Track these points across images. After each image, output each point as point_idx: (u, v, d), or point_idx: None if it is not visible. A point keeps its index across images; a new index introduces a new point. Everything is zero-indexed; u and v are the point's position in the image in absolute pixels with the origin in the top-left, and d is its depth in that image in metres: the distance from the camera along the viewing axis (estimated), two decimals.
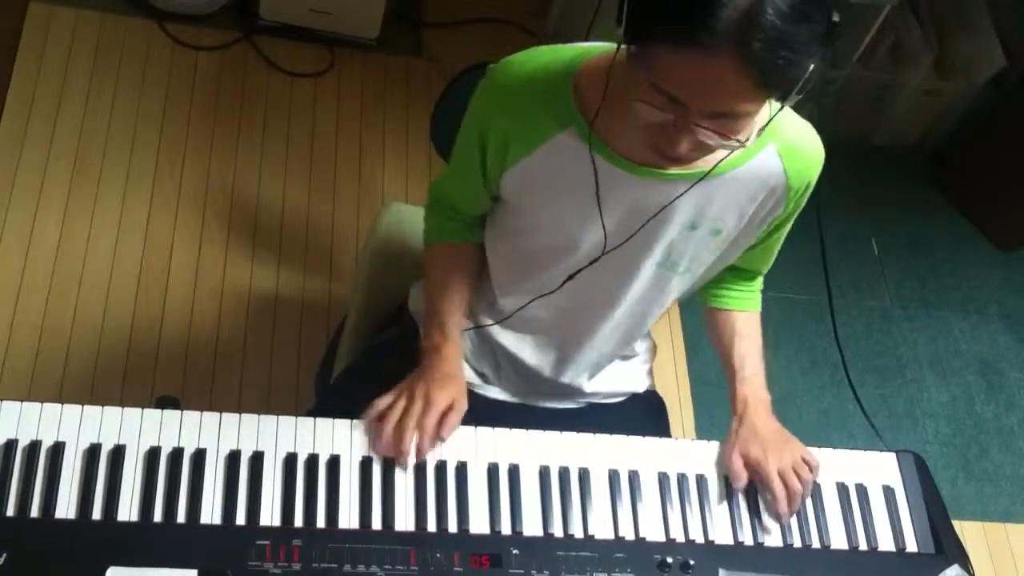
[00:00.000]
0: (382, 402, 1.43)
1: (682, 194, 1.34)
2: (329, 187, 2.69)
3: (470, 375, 1.64)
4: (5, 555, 1.20)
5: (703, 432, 2.54)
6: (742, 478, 1.46)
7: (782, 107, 1.18)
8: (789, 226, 1.52)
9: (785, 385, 2.72)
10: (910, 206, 3.18)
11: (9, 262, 2.38)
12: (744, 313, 1.62)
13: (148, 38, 2.80)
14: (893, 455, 1.55)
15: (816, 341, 2.80)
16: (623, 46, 1.17)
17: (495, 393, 1.65)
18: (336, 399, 1.67)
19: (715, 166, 1.30)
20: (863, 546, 1.46)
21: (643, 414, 1.70)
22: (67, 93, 2.65)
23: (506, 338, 1.61)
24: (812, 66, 1.11)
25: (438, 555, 1.31)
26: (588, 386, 1.65)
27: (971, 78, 3.06)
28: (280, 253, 2.56)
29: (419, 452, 1.40)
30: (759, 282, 1.64)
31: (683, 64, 1.10)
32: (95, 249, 2.45)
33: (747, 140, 1.19)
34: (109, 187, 2.54)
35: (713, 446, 1.52)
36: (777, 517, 1.45)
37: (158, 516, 1.29)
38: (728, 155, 1.27)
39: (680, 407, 2.58)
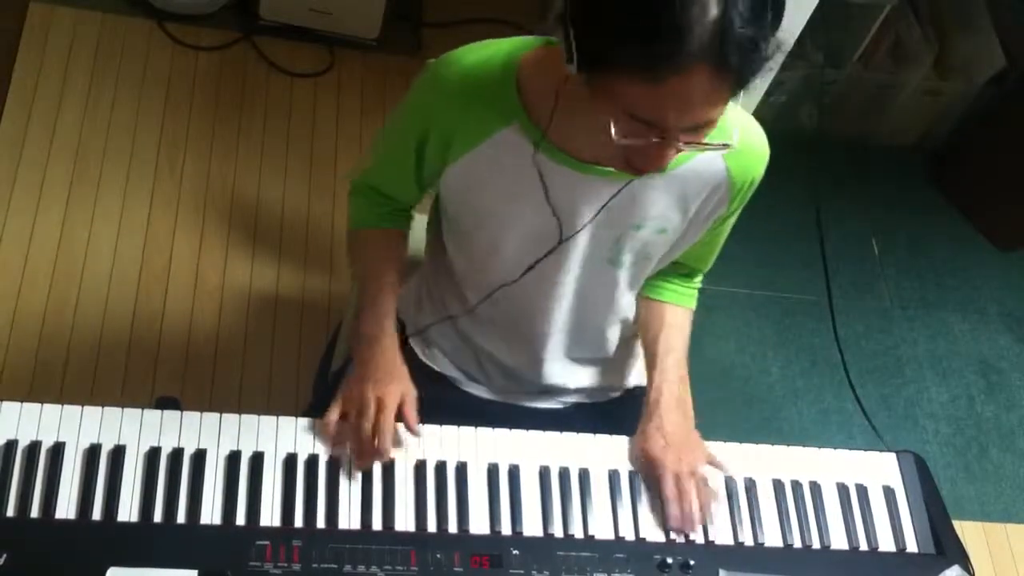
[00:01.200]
0: (332, 417, 1.40)
1: (618, 192, 1.34)
2: (329, 187, 2.69)
3: (454, 372, 1.64)
4: (5, 555, 1.20)
5: (703, 432, 2.52)
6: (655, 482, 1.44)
7: (736, 96, 1.16)
8: (732, 222, 1.52)
9: (785, 385, 2.72)
10: (910, 206, 3.18)
11: (9, 262, 2.38)
12: (678, 307, 1.61)
13: (148, 38, 2.80)
14: (893, 455, 1.55)
15: (816, 341, 2.80)
16: (571, 68, 1.13)
17: (483, 392, 1.65)
18: (331, 399, 1.67)
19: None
20: (863, 546, 1.46)
21: (640, 413, 1.70)
22: (67, 93, 2.65)
23: (480, 333, 1.61)
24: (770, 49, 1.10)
25: (438, 555, 1.31)
26: (575, 383, 1.65)
27: (971, 78, 3.06)
28: (280, 253, 2.56)
29: (382, 455, 1.38)
30: (698, 280, 1.64)
31: (660, 91, 1.08)
32: (95, 249, 2.45)
33: (735, 141, 1.19)
34: (109, 187, 2.54)
35: (714, 446, 1.52)
36: (666, 520, 1.42)
37: (158, 516, 1.29)
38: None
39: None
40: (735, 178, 1.39)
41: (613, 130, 1.13)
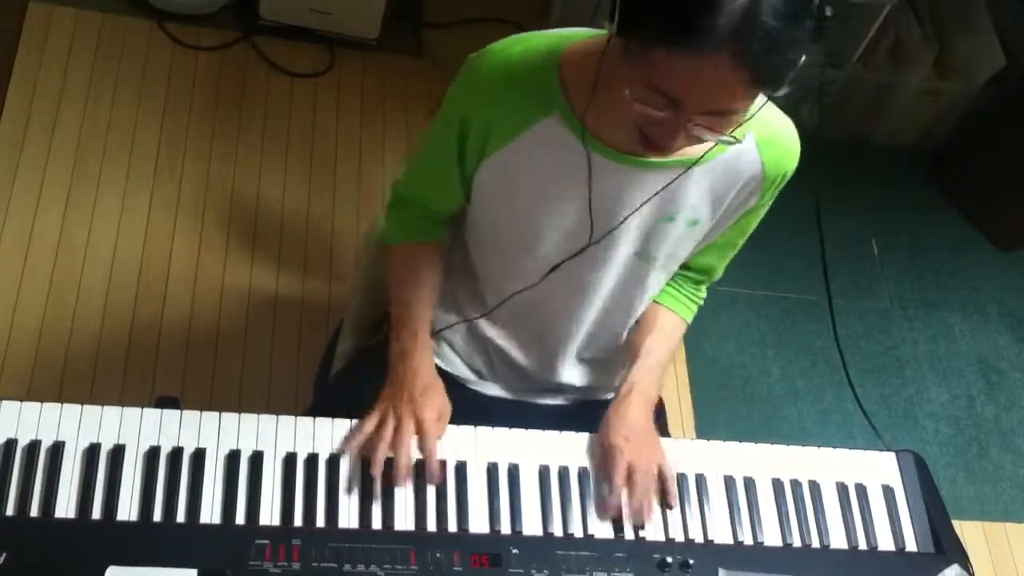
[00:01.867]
0: (368, 427, 1.40)
1: (670, 183, 1.34)
2: (329, 187, 2.69)
3: (464, 372, 1.64)
4: (5, 555, 1.20)
5: (703, 432, 2.54)
6: (605, 474, 1.43)
7: (767, 100, 1.19)
8: (755, 224, 1.52)
9: (785, 385, 2.72)
10: (910, 206, 3.18)
11: (9, 262, 2.38)
12: (674, 315, 1.61)
13: (148, 38, 2.80)
14: (893, 455, 1.55)
15: (816, 341, 2.80)
16: (615, 39, 1.16)
17: (491, 390, 1.65)
18: (333, 399, 1.68)
19: (703, 155, 1.30)
20: (863, 546, 1.46)
21: None
22: (67, 93, 2.65)
23: (496, 334, 1.61)
24: (803, 60, 1.12)
25: (438, 555, 1.31)
26: (581, 381, 1.65)
27: (971, 78, 3.06)
28: (280, 253, 2.56)
29: (430, 476, 1.37)
30: (703, 292, 1.64)
31: (682, 66, 1.10)
32: (95, 249, 2.45)
33: (742, 136, 1.20)
34: (109, 187, 2.54)
35: (714, 446, 1.52)
36: (605, 508, 1.41)
37: (158, 516, 1.29)
38: (713, 146, 1.28)
39: (680, 407, 2.58)
40: (768, 171, 1.39)
41: (628, 91, 1.15)
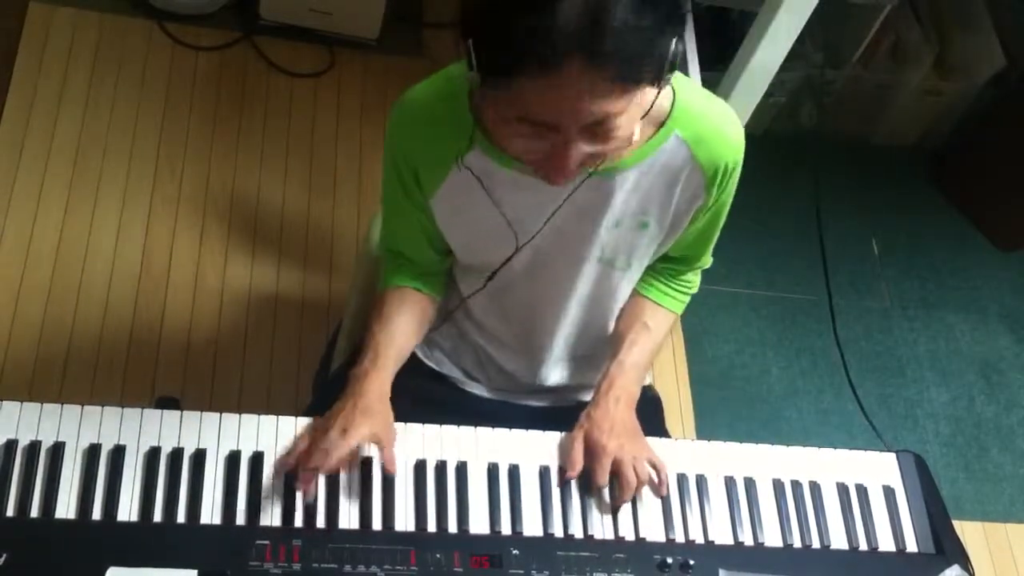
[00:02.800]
0: (302, 442, 1.36)
1: (575, 189, 1.33)
2: (329, 187, 2.69)
3: (454, 372, 1.65)
4: (5, 555, 1.20)
5: (703, 432, 2.54)
6: (578, 466, 1.41)
7: (658, 94, 1.16)
8: (724, 215, 1.49)
9: (785, 385, 2.72)
10: (910, 206, 3.18)
11: (9, 262, 2.38)
12: (660, 309, 1.58)
13: (148, 38, 2.80)
14: (893, 455, 1.55)
15: (816, 341, 2.80)
16: (474, 78, 1.13)
17: (481, 391, 1.65)
18: (331, 399, 1.67)
19: (599, 164, 1.26)
20: (863, 546, 1.46)
21: (639, 411, 1.70)
22: (67, 93, 2.65)
23: (482, 339, 1.61)
24: (672, 47, 1.09)
25: (438, 555, 1.31)
26: (571, 380, 1.65)
27: (971, 78, 3.06)
28: (280, 253, 2.56)
29: (323, 468, 1.32)
30: (692, 281, 1.62)
31: (541, 88, 1.08)
32: (95, 249, 2.45)
33: (633, 136, 1.18)
34: (109, 187, 2.54)
35: (714, 446, 1.52)
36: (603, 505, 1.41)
37: (158, 516, 1.29)
38: (620, 150, 1.24)
39: (680, 407, 2.58)
40: (705, 167, 1.36)
41: (506, 132, 1.15)
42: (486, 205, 1.37)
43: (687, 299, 1.62)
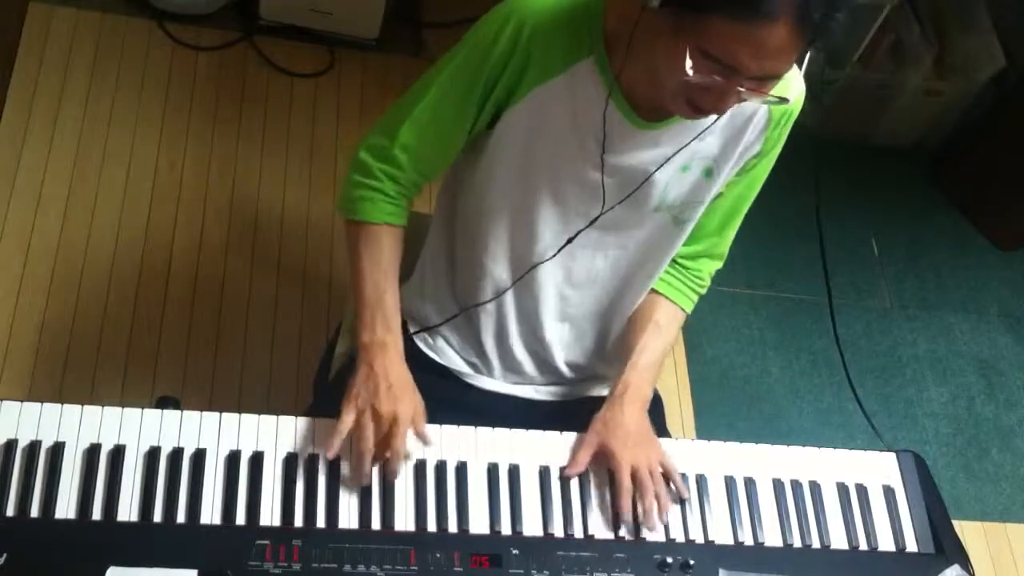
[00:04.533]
0: (346, 427, 1.36)
1: (686, 145, 1.35)
2: (329, 187, 2.69)
3: (460, 364, 1.64)
4: (5, 555, 1.20)
5: (703, 432, 2.54)
6: (580, 466, 1.41)
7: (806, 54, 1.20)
8: (760, 182, 1.50)
9: (785, 385, 2.72)
10: (910, 206, 3.18)
11: (9, 262, 2.38)
12: (672, 307, 1.59)
13: (148, 38, 2.80)
14: (893, 455, 1.55)
15: (816, 341, 2.80)
16: (655, 7, 1.16)
17: (486, 384, 1.64)
18: (331, 399, 1.67)
19: (716, 119, 1.31)
20: (863, 546, 1.46)
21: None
22: (67, 93, 2.65)
23: (499, 325, 1.58)
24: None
25: (438, 555, 1.30)
26: (580, 375, 1.64)
27: (971, 78, 3.06)
28: (280, 253, 2.56)
29: (392, 474, 1.36)
30: (707, 283, 1.62)
31: (742, 35, 1.12)
32: (95, 249, 2.45)
33: (791, 97, 1.23)
34: (109, 187, 2.54)
35: (714, 446, 1.52)
36: (619, 513, 1.40)
37: (158, 516, 1.29)
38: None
39: (680, 407, 2.58)
40: (773, 111, 1.40)
41: (687, 65, 1.15)
42: (582, 136, 1.34)
43: (697, 298, 1.63)
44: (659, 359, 1.56)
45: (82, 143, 2.59)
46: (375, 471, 1.38)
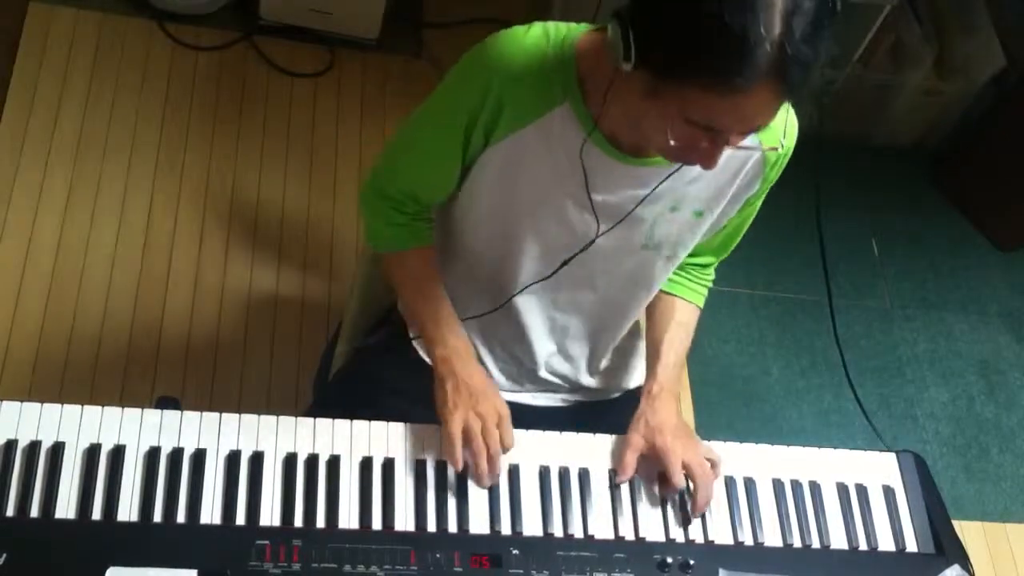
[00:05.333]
0: (457, 437, 1.39)
1: (667, 177, 1.35)
2: (329, 187, 2.69)
3: None
4: (5, 555, 1.20)
5: (703, 432, 2.51)
6: (629, 471, 1.44)
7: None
8: (758, 207, 1.52)
9: (785, 385, 2.72)
10: (910, 206, 3.18)
11: (9, 262, 2.38)
12: (688, 305, 1.62)
13: (148, 38, 2.80)
14: (893, 455, 1.55)
15: (816, 341, 2.80)
16: (627, 67, 1.15)
17: None
18: (331, 399, 1.67)
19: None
20: (863, 546, 1.46)
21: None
22: (67, 93, 2.65)
23: (491, 335, 1.60)
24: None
25: (438, 555, 1.30)
26: (577, 382, 1.65)
27: (971, 78, 3.06)
28: (280, 253, 2.56)
29: (494, 477, 1.40)
30: (711, 273, 1.65)
31: (720, 104, 1.11)
32: (95, 249, 2.45)
33: (780, 144, 1.25)
34: (109, 187, 2.54)
35: (714, 446, 1.51)
36: (693, 505, 1.43)
37: (158, 516, 1.29)
38: None
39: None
40: (768, 153, 1.40)
41: (669, 133, 1.16)
42: (566, 179, 1.36)
43: (707, 291, 1.66)
44: (683, 356, 1.59)
45: (82, 143, 2.59)
46: (377, 465, 1.38)
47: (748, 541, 1.43)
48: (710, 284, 1.66)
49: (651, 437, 1.46)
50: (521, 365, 1.64)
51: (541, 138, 1.34)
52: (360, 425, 1.41)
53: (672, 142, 1.17)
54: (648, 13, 1.12)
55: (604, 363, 1.67)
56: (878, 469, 1.54)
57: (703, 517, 1.43)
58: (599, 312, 1.57)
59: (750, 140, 1.26)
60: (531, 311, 1.56)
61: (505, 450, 1.41)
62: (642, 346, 1.70)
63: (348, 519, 1.33)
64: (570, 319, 1.58)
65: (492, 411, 1.41)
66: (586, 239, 1.42)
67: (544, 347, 1.61)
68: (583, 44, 1.31)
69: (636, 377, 1.71)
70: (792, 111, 1.39)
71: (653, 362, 1.56)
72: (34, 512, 1.26)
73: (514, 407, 1.63)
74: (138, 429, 1.34)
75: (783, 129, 1.34)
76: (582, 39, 1.31)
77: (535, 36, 1.33)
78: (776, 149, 1.25)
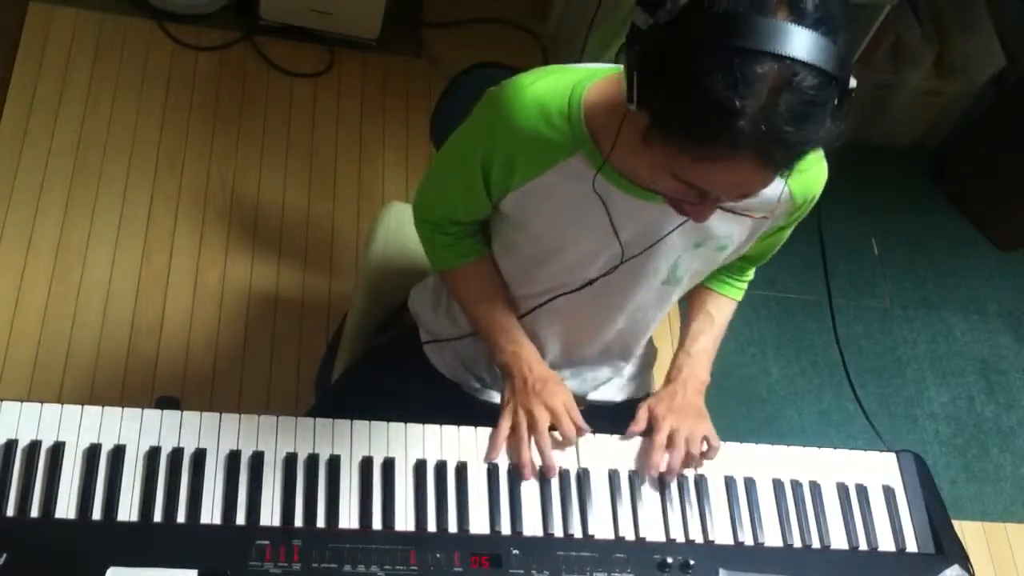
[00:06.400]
0: (505, 431, 1.44)
1: (695, 227, 1.35)
2: (329, 187, 2.69)
3: (467, 379, 1.64)
4: (5, 555, 1.20)
5: None
6: (640, 424, 1.49)
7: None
8: (791, 230, 1.52)
9: (785, 385, 2.72)
10: (910, 206, 3.18)
11: (9, 262, 2.38)
12: (722, 297, 1.63)
13: (148, 38, 2.80)
14: (893, 455, 1.56)
15: (816, 341, 2.80)
16: (631, 107, 1.13)
17: (493, 396, 1.65)
18: (337, 400, 1.67)
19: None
20: (863, 546, 1.46)
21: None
22: (67, 93, 2.65)
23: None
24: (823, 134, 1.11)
25: (438, 555, 1.31)
26: (588, 395, 1.66)
27: (971, 78, 3.06)
28: (280, 253, 2.56)
29: (550, 469, 1.42)
30: (750, 274, 1.65)
31: (704, 167, 1.10)
32: (95, 249, 2.45)
33: (770, 213, 1.26)
34: (109, 187, 2.54)
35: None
36: (647, 467, 1.45)
37: (158, 516, 1.29)
38: None
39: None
40: (796, 197, 1.40)
41: (659, 183, 1.16)
42: (588, 216, 1.36)
43: (746, 285, 1.67)
44: (712, 346, 1.61)
45: (82, 143, 2.59)
46: (377, 465, 1.38)
47: (748, 541, 1.43)
48: (750, 279, 1.66)
49: (654, 406, 1.50)
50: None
51: (557, 183, 1.34)
52: (360, 425, 1.41)
53: (656, 184, 1.17)
54: (649, 61, 1.09)
55: (613, 380, 1.69)
56: (878, 469, 1.54)
57: (703, 517, 1.43)
58: (612, 339, 1.59)
59: (775, 185, 1.23)
60: (547, 324, 1.56)
61: (579, 433, 1.45)
62: (644, 355, 1.72)
63: (348, 519, 1.33)
64: (583, 337, 1.58)
65: (548, 407, 1.45)
66: (610, 265, 1.42)
67: (554, 365, 1.61)
68: (593, 94, 1.30)
69: (641, 388, 1.73)
70: (817, 158, 1.39)
71: (678, 351, 1.60)
72: (34, 512, 1.26)
73: None
74: (138, 429, 1.34)
75: (803, 177, 1.36)
76: (591, 91, 1.30)
77: (543, 89, 1.31)
78: (765, 218, 1.26)
